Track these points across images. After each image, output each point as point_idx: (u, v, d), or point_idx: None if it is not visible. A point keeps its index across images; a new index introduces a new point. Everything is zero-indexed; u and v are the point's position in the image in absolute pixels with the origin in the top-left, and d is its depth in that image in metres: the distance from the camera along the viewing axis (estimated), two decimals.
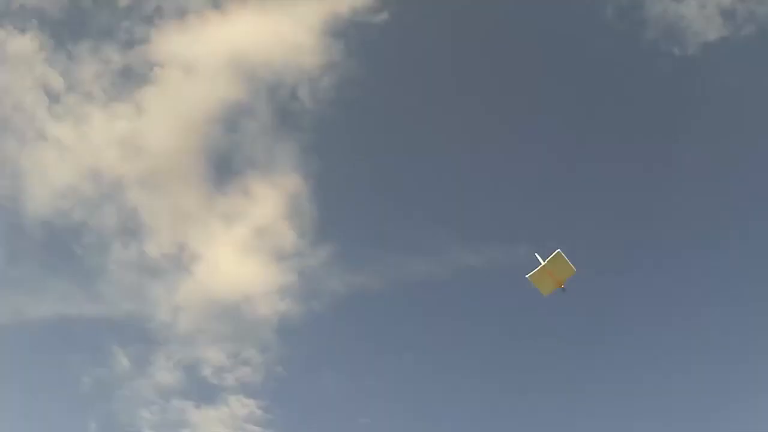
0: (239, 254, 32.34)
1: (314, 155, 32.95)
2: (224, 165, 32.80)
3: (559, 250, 21.13)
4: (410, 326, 33.64)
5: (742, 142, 31.49)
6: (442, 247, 32.64)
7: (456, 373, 31.87)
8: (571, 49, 32.80)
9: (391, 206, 34.17)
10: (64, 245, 32.68)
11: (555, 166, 33.36)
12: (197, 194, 32.40)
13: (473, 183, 33.58)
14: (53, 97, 32.72)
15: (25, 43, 32.69)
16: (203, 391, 33.26)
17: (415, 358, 32.49)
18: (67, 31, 33.17)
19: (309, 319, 32.65)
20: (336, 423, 32.79)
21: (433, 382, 32.37)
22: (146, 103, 32.68)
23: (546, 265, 21.38)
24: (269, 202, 31.98)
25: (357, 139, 33.77)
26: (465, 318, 33.09)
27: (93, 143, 32.93)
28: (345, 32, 32.59)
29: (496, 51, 32.98)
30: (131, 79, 33.27)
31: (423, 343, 33.40)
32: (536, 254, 21.45)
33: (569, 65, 32.87)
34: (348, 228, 34.05)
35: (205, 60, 32.87)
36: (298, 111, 33.33)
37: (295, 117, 33.33)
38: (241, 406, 32.78)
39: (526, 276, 21.56)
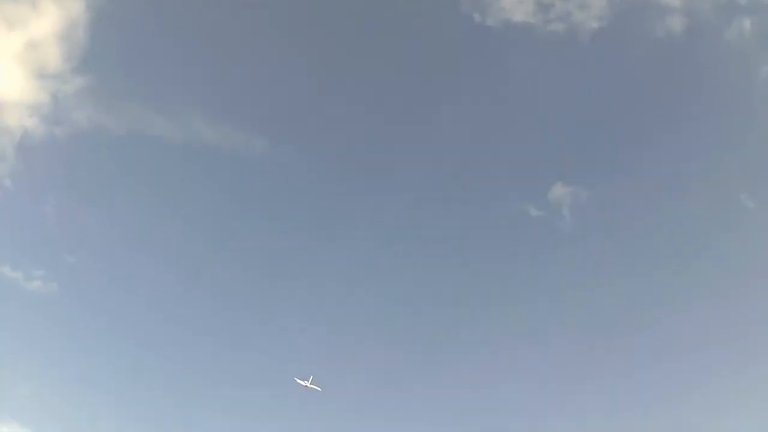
0: (6, 60, 31.55)
1: None
2: None
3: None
4: (137, 176, 31.86)
5: (509, 117, 29.95)
6: (188, 114, 31.15)
7: (165, 234, 30.10)
8: None
9: (160, 62, 32.93)
10: None
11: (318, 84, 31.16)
12: None
13: (244, 69, 31.79)
14: None
15: None
16: None
17: (141, 208, 31.41)
18: None
19: (49, 144, 32.14)
20: (46, 253, 31.30)
21: (145, 234, 30.82)
22: None
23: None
24: (50, 20, 31.59)
25: None
26: (182, 185, 31.61)
27: None
28: None
29: None
30: None
31: (150, 197, 31.93)
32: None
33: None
34: (111, 68, 33.07)
35: None
36: None
37: None
38: None
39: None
